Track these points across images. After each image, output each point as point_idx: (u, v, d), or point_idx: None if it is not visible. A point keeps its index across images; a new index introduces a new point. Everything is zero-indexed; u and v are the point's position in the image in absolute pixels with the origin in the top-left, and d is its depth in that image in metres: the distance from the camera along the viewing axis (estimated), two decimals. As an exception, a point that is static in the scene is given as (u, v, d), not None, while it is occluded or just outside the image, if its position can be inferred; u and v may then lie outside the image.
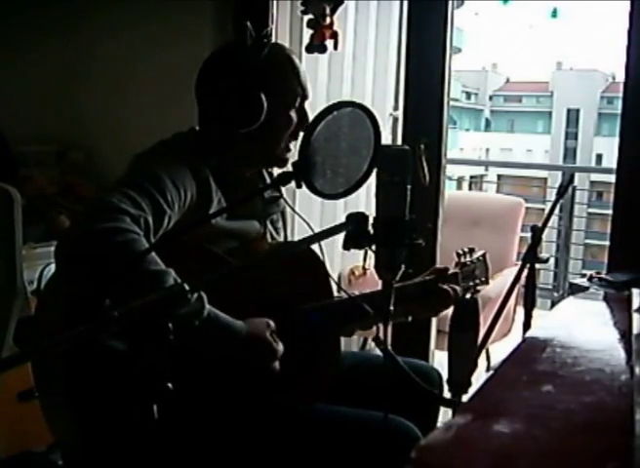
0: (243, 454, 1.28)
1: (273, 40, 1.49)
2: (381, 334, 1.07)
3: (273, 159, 1.46)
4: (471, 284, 1.58)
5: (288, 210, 1.61)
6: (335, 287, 1.42)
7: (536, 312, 1.49)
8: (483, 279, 1.60)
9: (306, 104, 1.44)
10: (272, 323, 1.28)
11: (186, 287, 0.91)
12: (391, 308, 1.04)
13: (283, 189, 1.57)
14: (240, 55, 1.38)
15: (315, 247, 1.29)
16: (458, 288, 1.50)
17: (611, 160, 2.11)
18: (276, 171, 1.57)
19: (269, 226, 1.51)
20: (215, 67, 1.42)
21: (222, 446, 1.27)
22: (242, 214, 1.41)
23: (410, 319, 1.52)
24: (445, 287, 1.48)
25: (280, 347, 1.27)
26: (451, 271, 1.54)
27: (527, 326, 1.48)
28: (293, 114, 1.42)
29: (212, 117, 1.42)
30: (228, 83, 1.36)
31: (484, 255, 1.61)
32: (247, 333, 1.22)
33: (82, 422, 1.21)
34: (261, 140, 1.41)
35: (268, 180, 1.54)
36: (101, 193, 1.22)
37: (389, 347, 1.10)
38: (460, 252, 1.57)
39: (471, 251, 1.59)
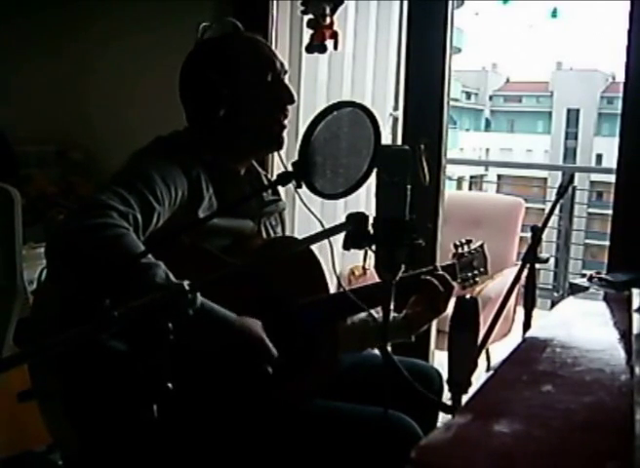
0: (243, 452, 1.28)
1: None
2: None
3: (267, 139, 1.45)
4: (470, 275, 1.58)
5: (286, 211, 1.61)
6: (332, 284, 1.42)
7: (536, 312, 1.49)
8: (482, 269, 1.60)
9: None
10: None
11: (186, 286, 0.91)
12: (391, 307, 1.05)
13: (282, 190, 1.58)
14: (203, 48, 1.45)
15: (320, 247, 1.28)
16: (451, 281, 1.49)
17: (611, 160, 2.11)
18: (274, 172, 1.57)
19: (266, 225, 1.51)
20: (183, 68, 1.47)
21: (222, 444, 1.27)
22: (236, 213, 1.41)
23: (413, 339, 1.52)
24: (428, 277, 1.47)
25: (273, 349, 1.26)
26: (448, 262, 1.54)
27: (527, 326, 1.48)
28: (270, 87, 1.42)
29: (190, 112, 1.45)
30: (193, 76, 1.43)
31: (482, 246, 1.61)
32: (240, 325, 1.22)
33: (81, 423, 1.21)
34: (248, 120, 1.41)
35: (264, 179, 1.54)
36: (93, 192, 1.23)
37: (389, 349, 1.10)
38: (458, 243, 1.57)
39: (469, 242, 1.59)
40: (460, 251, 1.56)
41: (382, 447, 1.27)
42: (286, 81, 1.47)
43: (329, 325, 1.39)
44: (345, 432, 1.32)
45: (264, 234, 1.50)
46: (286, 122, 1.45)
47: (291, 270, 1.34)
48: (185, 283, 0.92)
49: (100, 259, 1.11)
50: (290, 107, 1.45)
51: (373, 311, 1.48)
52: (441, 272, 1.48)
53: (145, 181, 1.23)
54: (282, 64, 1.46)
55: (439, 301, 1.47)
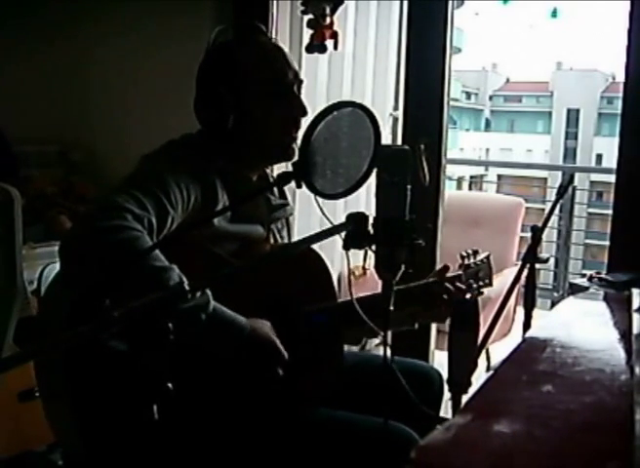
0: (244, 457, 1.28)
1: (273, 40, 1.50)
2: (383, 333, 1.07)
3: (276, 151, 1.44)
4: (475, 285, 1.57)
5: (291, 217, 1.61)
6: (337, 288, 1.42)
7: (536, 312, 1.49)
8: (487, 281, 1.60)
9: (306, 103, 1.44)
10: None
11: (186, 287, 0.91)
12: (391, 308, 1.04)
13: (289, 195, 1.57)
14: (213, 56, 1.42)
15: (320, 247, 1.28)
16: (461, 286, 1.49)
17: (611, 160, 2.11)
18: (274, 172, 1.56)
19: (273, 230, 1.50)
20: (200, 70, 1.44)
21: (223, 447, 1.27)
22: (246, 218, 1.41)
23: (416, 326, 1.52)
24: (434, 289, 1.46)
25: (284, 351, 1.27)
26: (454, 273, 1.53)
27: (527, 326, 1.48)
28: (281, 99, 1.41)
29: (202, 120, 1.44)
30: (203, 85, 1.42)
31: (488, 257, 1.61)
32: (251, 330, 1.23)
33: (83, 422, 1.21)
34: (257, 131, 1.41)
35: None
36: (107, 192, 1.23)
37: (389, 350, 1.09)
38: (464, 253, 1.57)
39: (475, 252, 1.58)
40: (466, 261, 1.56)
41: (382, 457, 1.27)
42: (302, 91, 1.44)
43: (334, 331, 1.39)
44: (346, 442, 1.32)
45: (273, 238, 1.50)
46: (298, 134, 1.42)
47: (298, 274, 1.34)
48: (193, 286, 0.91)
49: (113, 262, 1.11)
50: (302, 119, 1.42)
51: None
52: (446, 284, 1.48)
53: (161, 185, 1.23)
54: (296, 74, 1.43)
55: (441, 315, 1.48)
